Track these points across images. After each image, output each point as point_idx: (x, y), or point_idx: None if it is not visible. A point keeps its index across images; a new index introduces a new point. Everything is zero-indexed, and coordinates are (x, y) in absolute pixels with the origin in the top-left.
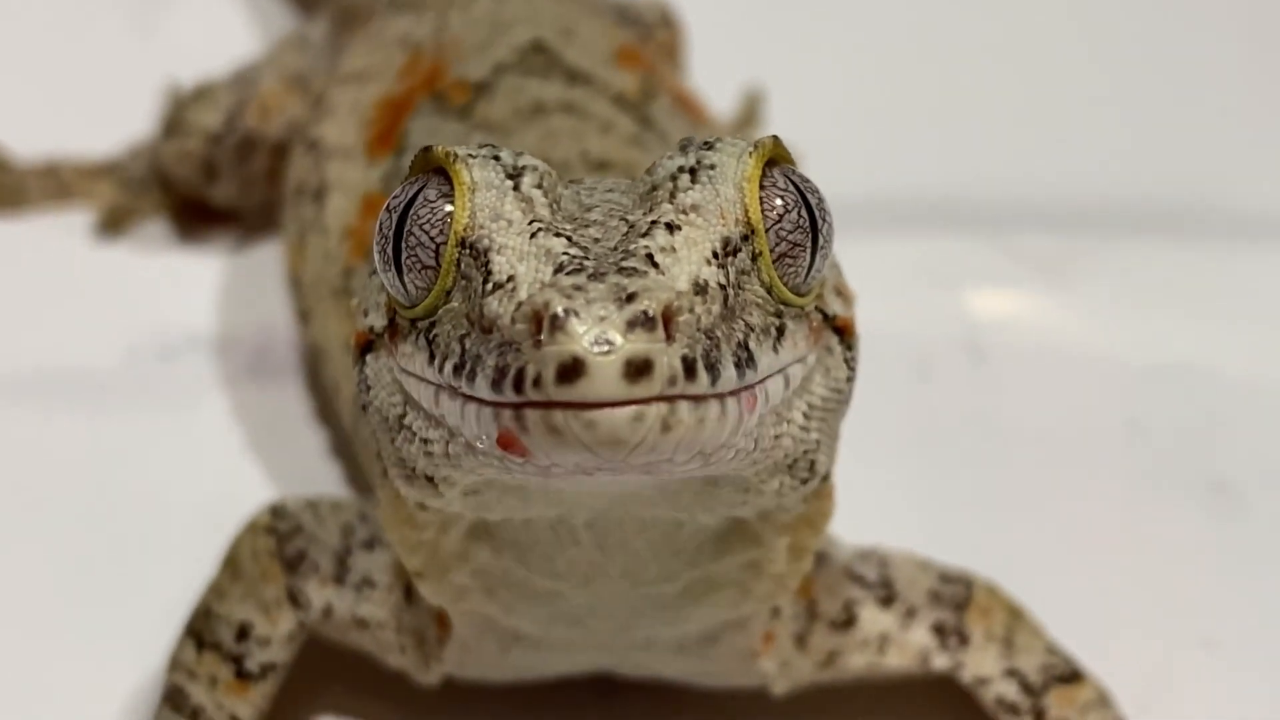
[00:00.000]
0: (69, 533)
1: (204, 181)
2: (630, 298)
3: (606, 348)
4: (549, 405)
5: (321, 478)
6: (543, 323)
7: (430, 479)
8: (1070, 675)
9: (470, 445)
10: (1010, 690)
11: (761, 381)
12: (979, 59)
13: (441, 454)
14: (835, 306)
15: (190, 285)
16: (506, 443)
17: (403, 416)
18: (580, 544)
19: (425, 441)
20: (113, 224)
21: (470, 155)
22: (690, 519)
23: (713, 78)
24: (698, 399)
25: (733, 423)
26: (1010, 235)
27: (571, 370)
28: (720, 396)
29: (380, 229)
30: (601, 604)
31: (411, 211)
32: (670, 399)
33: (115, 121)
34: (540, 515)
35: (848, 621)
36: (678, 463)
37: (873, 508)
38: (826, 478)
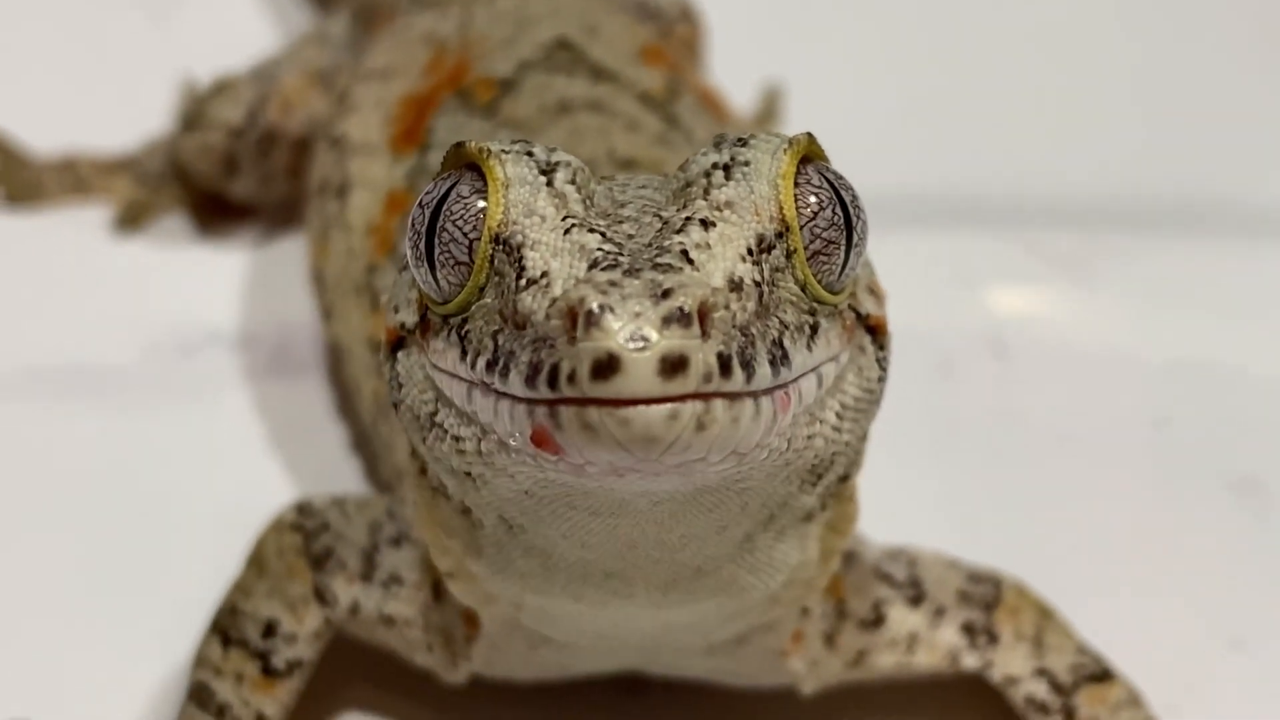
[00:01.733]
0: (90, 529)
1: (224, 176)
2: (666, 294)
3: (642, 344)
4: (584, 402)
5: (342, 474)
6: (578, 319)
7: (467, 474)
8: (1101, 674)
9: (503, 442)
10: (1040, 689)
11: (795, 380)
12: (1000, 56)
13: (474, 451)
14: (868, 305)
15: (210, 281)
16: (540, 440)
17: (434, 414)
18: (605, 611)
19: (457, 439)
20: (131, 219)
21: (504, 151)
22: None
23: (733, 73)
24: (733, 397)
25: (766, 421)
26: (1034, 232)
27: (606, 366)
28: (755, 395)
29: (413, 225)
30: (629, 620)
31: (445, 207)
32: (705, 396)
33: (132, 117)
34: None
35: (876, 621)
36: (711, 462)
37: (899, 506)
38: (847, 479)
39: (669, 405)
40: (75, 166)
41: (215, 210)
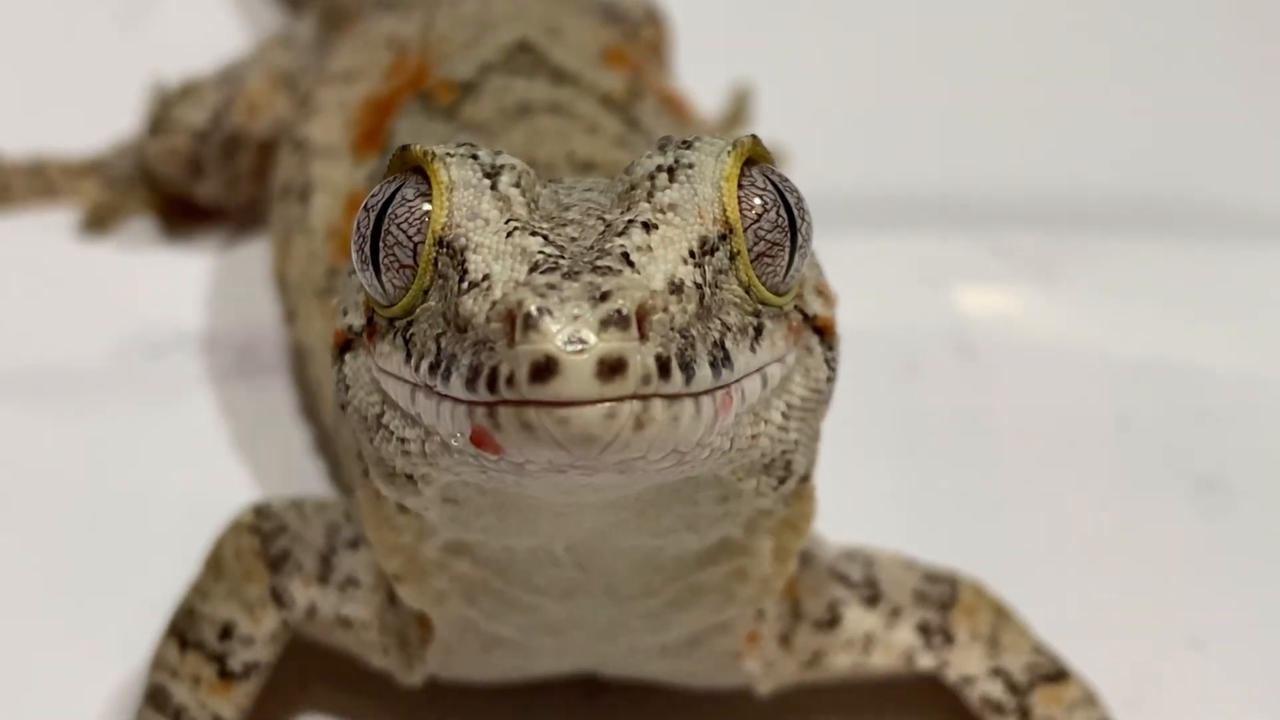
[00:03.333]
0: (52, 530)
1: (190, 179)
2: (604, 296)
3: (579, 346)
4: (523, 404)
5: (306, 476)
6: (516, 321)
7: (409, 477)
8: (1056, 674)
9: (445, 443)
10: (995, 689)
11: (738, 381)
12: (967, 57)
13: (418, 452)
14: (815, 306)
15: (176, 283)
16: (480, 440)
17: (380, 415)
18: (560, 565)
19: (402, 440)
20: (98, 222)
21: (448, 154)
22: (674, 541)
23: (700, 75)
24: (672, 398)
25: (707, 421)
26: (998, 232)
27: (545, 369)
28: (695, 395)
29: (358, 228)
30: (583, 616)
31: (389, 210)
32: (644, 398)
33: (101, 119)
34: (517, 543)
35: (832, 621)
36: (651, 460)
37: (858, 506)
38: (806, 478)
39: (607, 404)
40: (43, 169)
41: (182, 213)
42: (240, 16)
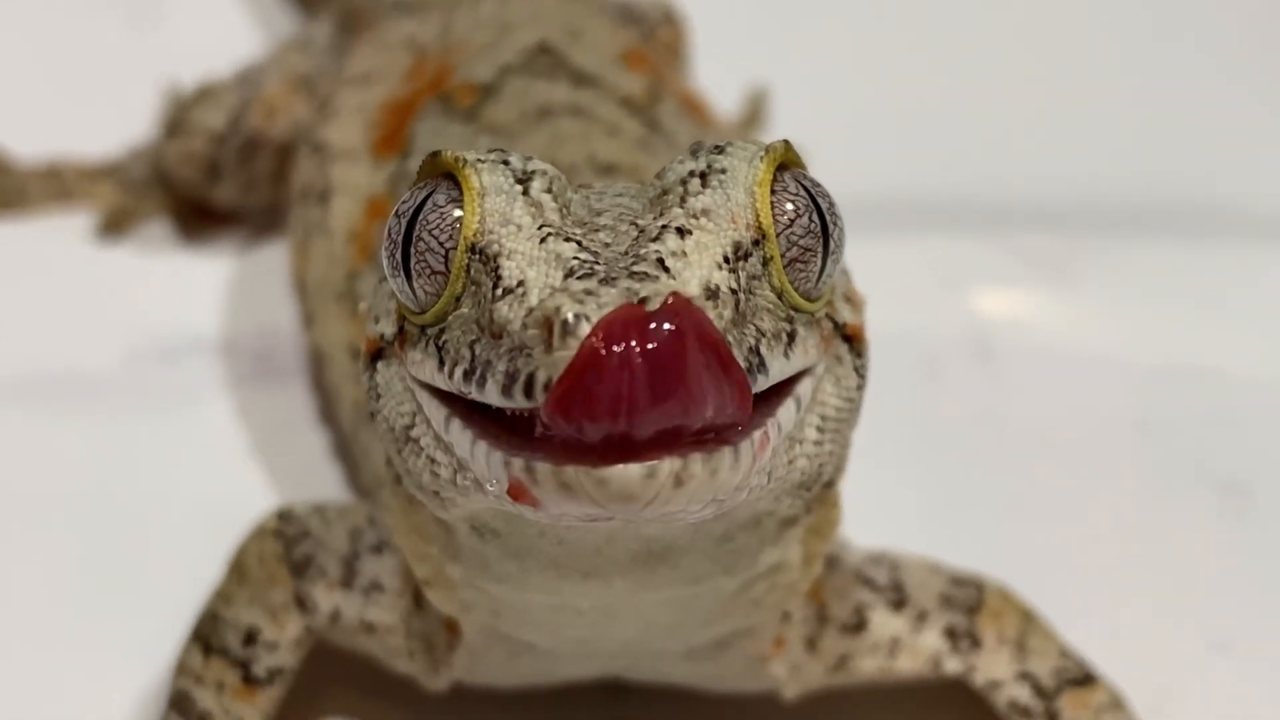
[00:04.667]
0: (72, 536)
1: (207, 182)
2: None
3: None
4: (560, 463)
5: (324, 480)
6: (554, 328)
7: (436, 494)
8: (1083, 678)
9: (479, 482)
10: (1023, 694)
11: (774, 413)
12: (984, 58)
13: (448, 480)
14: (845, 313)
15: (193, 287)
16: (517, 493)
17: (410, 428)
18: (584, 615)
19: (433, 461)
20: (114, 225)
21: (479, 160)
22: (709, 586)
23: (717, 76)
24: (709, 450)
25: (745, 468)
26: (1017, 235)
27: None
28: (732, 443)
29: (389, 235)
30: (609, 637)
31: (420, 217)
32: (681, 451)
33: (116, 122)
34: (537, 600)
35: (859, 625)
36: (691, 512)
37: (881, 509)
38: (831, 484)
39: (646, 464)
40: (59, 173)
41: (199, 216)
42: (254, 19)
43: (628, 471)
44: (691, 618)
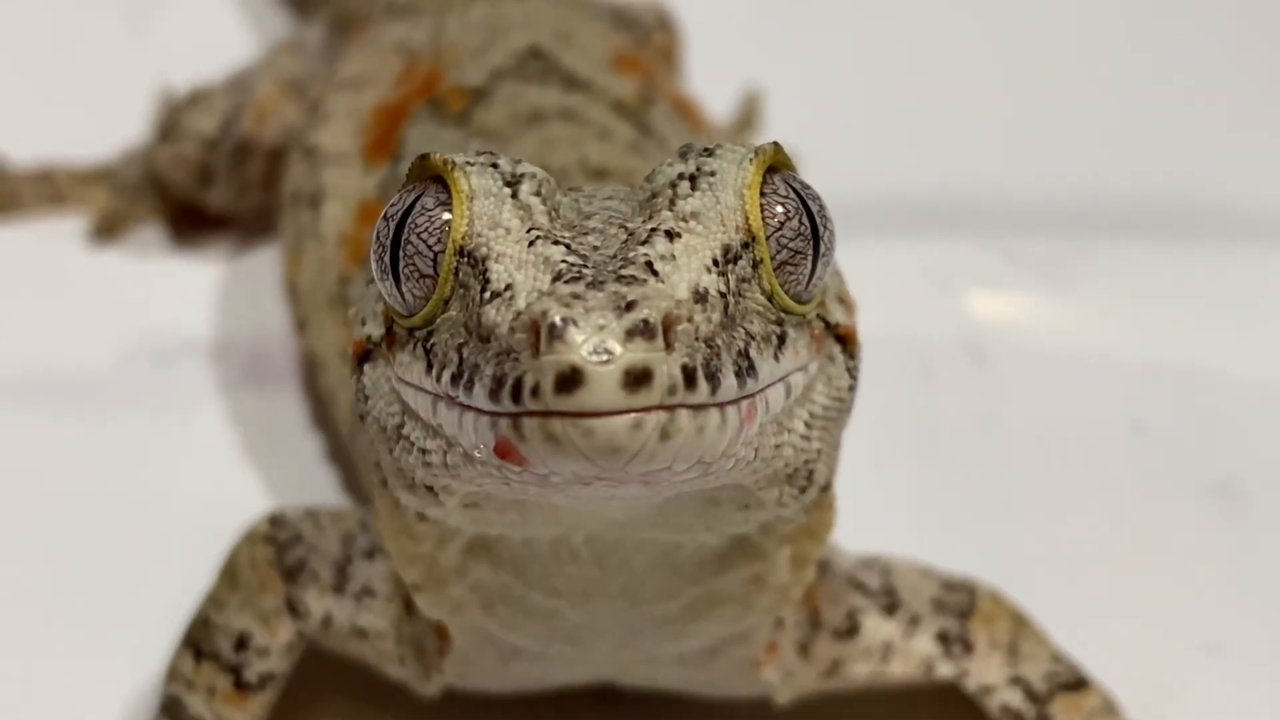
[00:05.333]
0: (63, 540)
1: (199, 186)
2: (629, 306)
3: (605, 357)
4: (547, 415)
5: (317, 484)
6: (540, 332)
7: (430, 488)
8: (1075, 682)
9: (468, 455)
10: (1015, 698)
11: (762, 390)
12: (978, 60)
13: (440, 464)
14: (837, 314)
15: (185, 291)
16: (504, 451)
17: (400, 426)
18: (579, 560)
19: (423, 452)
20: (107, 229)
21: (468, 163)
22: (691, 539)
23: (711, 80)
24: (697, 408)
25: (732, 431)
26: (1010, 237)
27: (570, 380)
28: (720, 405)
29: (378, 237)
30: (600, 622)
31: (409, 220)
32: (670, 408)
33: (109, 126)
34: (538, 534)
35: (851, 630)
36: (676, 472)
37: (874, 512)
38: (827, 488)
39: (633, 415)
40: (52, 176)
41: (191, 220)
42: (247, 23)
43: (615, 422)
44: (676, 583)
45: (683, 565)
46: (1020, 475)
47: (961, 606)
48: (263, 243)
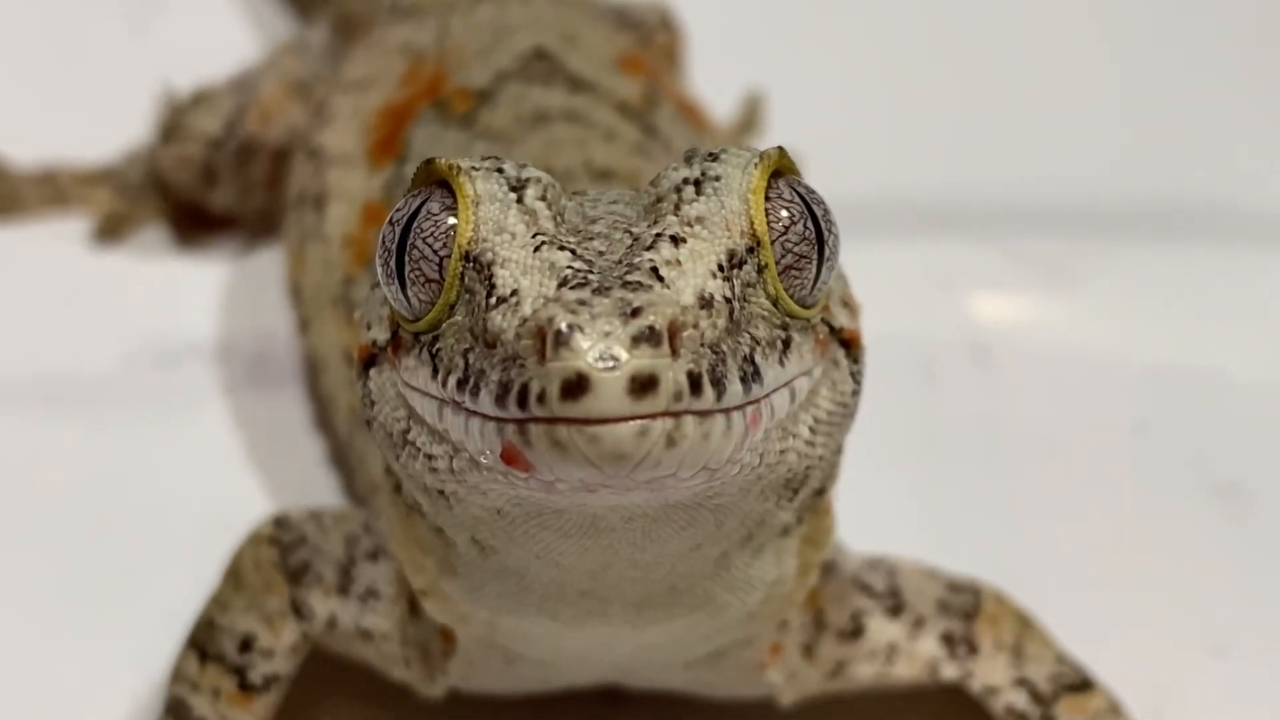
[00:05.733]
0: (67, 541)
1: (203, 187)
2: (635, 312)
3: (611, 363)
4: (553, 421)
5: (319, 486)
6: (547, 338)
7: (440, 493)
8: (1080, 684)
9: (474, 460)
10: (1020, 699)
11: (767, 396)
12: (981, 61)
13: (446, 469)
14: (841, 318)
15: (189, 292)
16: (510, 457)
17: (406, 432)
18: (581, 600)
19: (430, 457)
20: (110, 230)
21: (474, 168)
22: (687, 560)
23: (713, 81)
24: (703, 414)
25: (738, 437)
26: (1013, 238)
27: (576, 387)
28: (726, 411)
29: (383, 242)
30: (604, 644)
31: (415, 224)
32: (675, 414)
33: (112, 127)
34: (542, 577)
35: (855, 631)
36: (682, 478)
37: (878, 513)
38: (822, 493)
39: (639, 422)
40: (55, 178)
41: (195, 221)
42: (249, 24)
43: (621, 429)
44: (689, 635)
45: (696, 632)
46: (1022, 476)
47: (966, 608)
48: (266, 244)
